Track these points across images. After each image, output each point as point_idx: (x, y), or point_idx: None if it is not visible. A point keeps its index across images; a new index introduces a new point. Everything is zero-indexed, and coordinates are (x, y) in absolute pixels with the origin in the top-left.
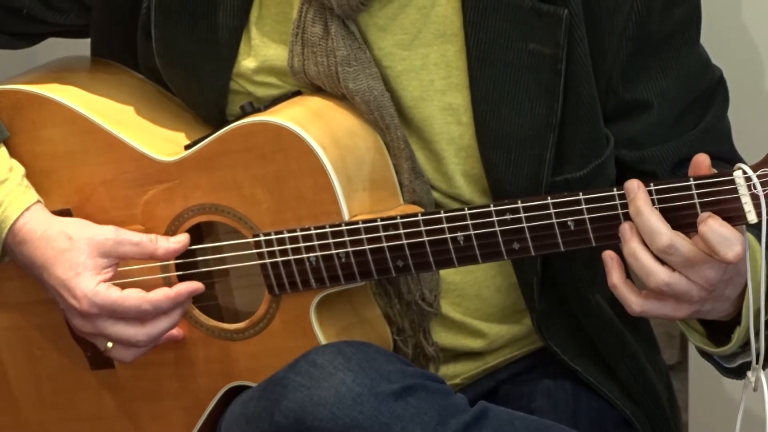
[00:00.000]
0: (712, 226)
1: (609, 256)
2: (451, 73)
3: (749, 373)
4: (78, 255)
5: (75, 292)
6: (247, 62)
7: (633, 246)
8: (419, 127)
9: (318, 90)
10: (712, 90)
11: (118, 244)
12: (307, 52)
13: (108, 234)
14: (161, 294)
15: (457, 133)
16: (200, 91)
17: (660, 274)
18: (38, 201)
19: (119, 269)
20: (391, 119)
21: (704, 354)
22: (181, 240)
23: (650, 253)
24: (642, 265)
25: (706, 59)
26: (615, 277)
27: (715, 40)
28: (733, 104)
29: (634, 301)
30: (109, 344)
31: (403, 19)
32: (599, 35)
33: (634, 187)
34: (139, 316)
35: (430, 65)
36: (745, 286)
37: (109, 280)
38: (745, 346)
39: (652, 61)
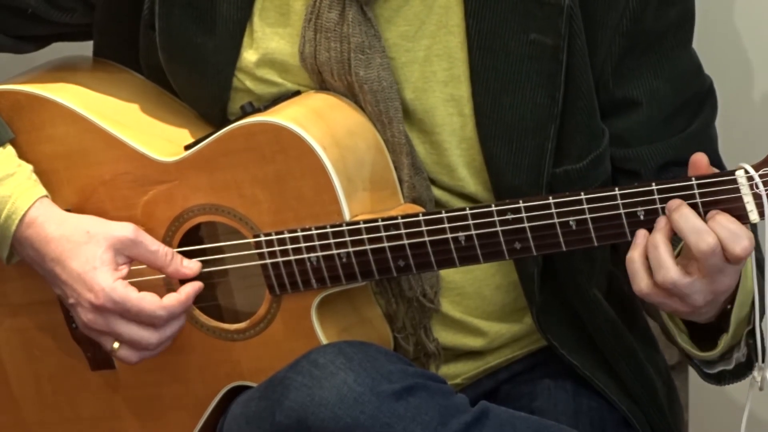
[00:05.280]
0: (721, 222)
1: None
2: (453, 64)
3: (755, 373)
4: (95, 249)
5: (92, 286)
6: (248, 54)
7: (657, 237)
8: (421, 119)
9: (320, 83)
10: (702, 96)
11: (134, 245)
12: (320, 37)
13: (127, 232)
14: (174, 300)
15: (459, 124)
16: (203, 85)
17: (671, 271)
18: (46, 195)
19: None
20: (395, 113)
21: (686, 356)
22: (193, 267)
23: (670, 249)
24: (658, 256)
25: (698, 65)
26: (636, 252)
27: (707, 43)
28: (726, 107)
29: (645, 283)
30: (116, 344)
31: (407, 11)
32: (593, 28)
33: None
34: (151, 322)
35: (432, 56)
36: (732, 292)
37: (125, 277)
38: (726, 354)
39: (644, 59)
